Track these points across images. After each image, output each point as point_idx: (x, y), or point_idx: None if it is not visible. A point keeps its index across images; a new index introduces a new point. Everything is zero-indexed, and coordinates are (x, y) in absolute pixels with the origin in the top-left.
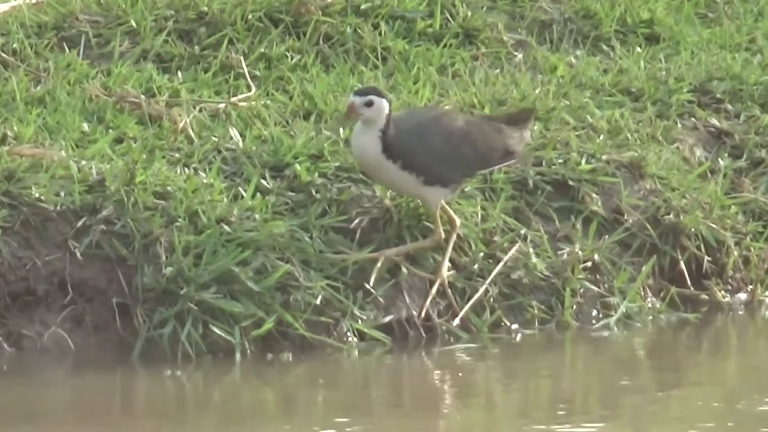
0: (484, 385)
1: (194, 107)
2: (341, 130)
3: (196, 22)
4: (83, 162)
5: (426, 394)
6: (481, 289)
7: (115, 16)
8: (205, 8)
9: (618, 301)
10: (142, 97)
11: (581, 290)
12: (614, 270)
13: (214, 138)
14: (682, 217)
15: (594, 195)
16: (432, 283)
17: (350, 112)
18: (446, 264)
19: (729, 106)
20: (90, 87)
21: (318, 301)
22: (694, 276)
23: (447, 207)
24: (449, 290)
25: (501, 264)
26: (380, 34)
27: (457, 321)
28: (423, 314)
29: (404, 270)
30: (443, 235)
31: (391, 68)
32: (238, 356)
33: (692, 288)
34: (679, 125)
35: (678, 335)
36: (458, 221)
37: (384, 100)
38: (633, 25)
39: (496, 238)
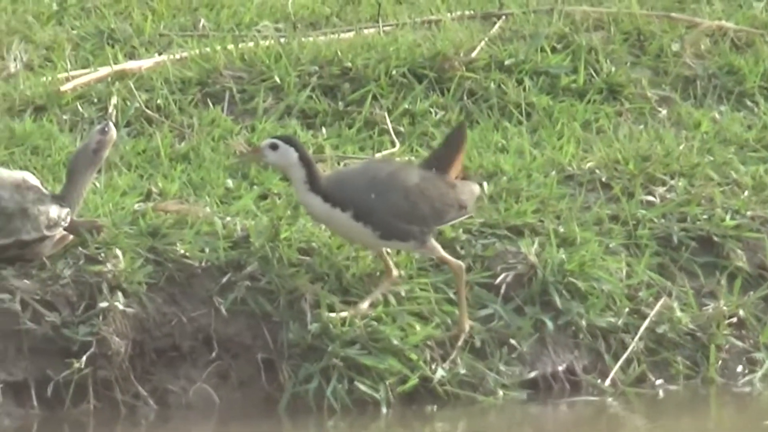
0: None
1: (338, 163)
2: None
3: (340, 78)
4: (228, 218)
5: None
6: (631, 347)
7: (258, 72)
8: (349, 64)
9: (764, 357)
10: None
11: (726, 346)
12: (759, 326)
13: None
14: None
15: (739, 251)
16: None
17: (254, 151)
18: (367, 303)
19: None
20: (234, 143)
21: (462, 357)
22: None
23: (387, 256)
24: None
25: (648, 320)
26: (524, 89)
27: (608, 382)
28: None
29: (549, 324)
30: (396, 272)
31: (535, 124)
32: (383, 410)
33: None
34: None
35: None
36: (396, 273)
37: (291, 149)
38: None
39: (640, 294)
